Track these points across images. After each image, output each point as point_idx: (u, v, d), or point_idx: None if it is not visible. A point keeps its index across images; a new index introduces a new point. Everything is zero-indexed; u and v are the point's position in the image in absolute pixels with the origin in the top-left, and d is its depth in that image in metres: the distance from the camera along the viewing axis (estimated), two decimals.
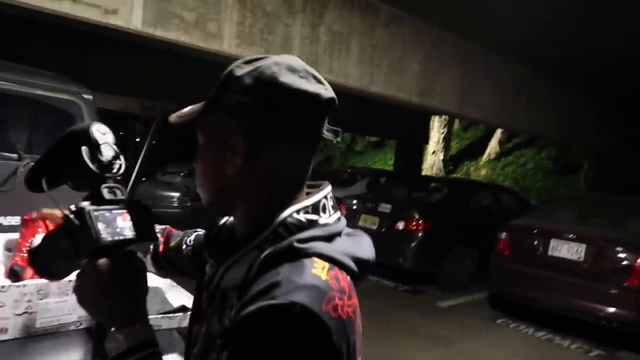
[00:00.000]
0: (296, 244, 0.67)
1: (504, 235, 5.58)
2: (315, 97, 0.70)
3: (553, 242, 5.17)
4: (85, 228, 0.71)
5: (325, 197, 0.75)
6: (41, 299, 1.28)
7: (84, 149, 0.79)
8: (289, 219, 0.70)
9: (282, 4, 4.82)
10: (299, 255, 0.66)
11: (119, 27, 3.71)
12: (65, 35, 5.39)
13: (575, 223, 5.46)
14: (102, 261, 0.71)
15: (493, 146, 16.97)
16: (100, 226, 0.72)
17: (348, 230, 0.79)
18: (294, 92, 0.69)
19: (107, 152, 0.81)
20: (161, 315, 1.40)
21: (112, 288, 0.71)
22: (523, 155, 16.40)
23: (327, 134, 0.74)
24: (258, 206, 0.73)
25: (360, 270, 0.72)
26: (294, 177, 0.74)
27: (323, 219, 0.72)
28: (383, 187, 8.58)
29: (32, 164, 1.61)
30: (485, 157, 17.10)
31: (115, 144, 0.85)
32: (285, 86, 0.68)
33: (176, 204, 7.57)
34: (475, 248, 6.49)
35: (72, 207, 0.74)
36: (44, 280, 1.22)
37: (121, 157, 0.85)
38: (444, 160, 16.49)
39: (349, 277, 0.69)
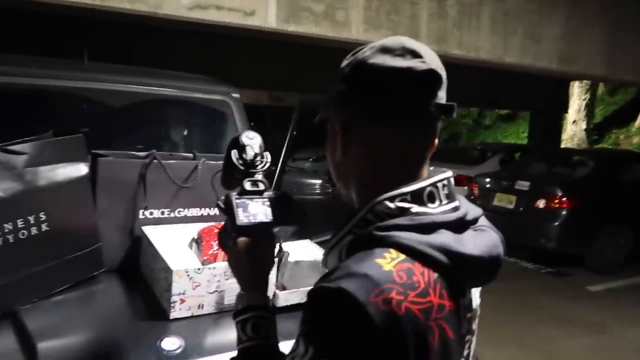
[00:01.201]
0: (374, 232, 0.65)
1: None
2: (406, 71, 0.67)
3: None
4: (230, 212, 0.88)
5: (435, 184, 0.70)
6: (227, 279, 1.48)
7: (233, 151, 0.97)
8: (378, 206, 0.68)
9: None
10: (377, 243, 0.64)
11: (256, 27, 3.98)
12: (203, 39, 5.91)
13: None
14: (240, 239, 0.86)
15: None
16: (239, 211, 0.88)
17: (481, 223, 0.75)
18: (382, 71, 0.68)
19: (250, 152, 0.98)
20: None
21: (242, 261, 0.86)
22: None
23: (436, 112, 0.69)
24: (361, 191, 0.74)
25: (459, 266, 0.65)
26: (397, 161, 0.71)
27: (419, 207, 0.68)
28: (518, 163, 8.02)
29: (206, 161, 1.83)
30: (638, 123, 15.04)
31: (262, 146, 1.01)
32: (374, 67, 0.68)
33: (318, 191, 7.84)
34: (630, 227, 5.89)
35: (222, 198, 0.91)
36: None
37: (264, 155, 1.00)
38: (586, 130, 14.81)
39: (436, 274, 0.64)
